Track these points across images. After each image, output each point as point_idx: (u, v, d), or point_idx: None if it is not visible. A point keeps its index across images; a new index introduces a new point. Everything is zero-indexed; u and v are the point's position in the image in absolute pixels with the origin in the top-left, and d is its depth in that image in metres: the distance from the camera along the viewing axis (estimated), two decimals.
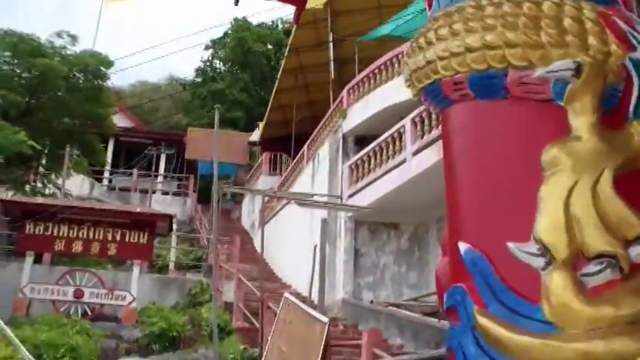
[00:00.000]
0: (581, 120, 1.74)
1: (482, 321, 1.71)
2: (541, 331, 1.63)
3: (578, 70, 1.75)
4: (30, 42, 24.15)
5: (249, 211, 32.63)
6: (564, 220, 1.67)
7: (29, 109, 24.60)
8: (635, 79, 1.78)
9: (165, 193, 35.89)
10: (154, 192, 33.52)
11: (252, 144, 35.94)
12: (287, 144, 29.66)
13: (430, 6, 2.21)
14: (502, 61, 1.81)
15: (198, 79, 47.59)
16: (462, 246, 1.84)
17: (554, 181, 1.71)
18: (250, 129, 36.79)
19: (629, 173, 1.74)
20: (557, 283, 1.64)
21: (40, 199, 21.19)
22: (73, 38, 25.62)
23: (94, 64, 25.04)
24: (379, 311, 16.19)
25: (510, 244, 1.72)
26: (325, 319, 10.95)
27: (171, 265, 24.08)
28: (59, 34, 25.43)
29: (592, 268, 1.66)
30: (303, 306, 12.61)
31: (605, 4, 1.88)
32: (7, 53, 24.20)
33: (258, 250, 24.88)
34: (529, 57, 1.78)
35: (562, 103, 1.78)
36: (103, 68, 25.43)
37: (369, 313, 16.51)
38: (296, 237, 22.00)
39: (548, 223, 1.68)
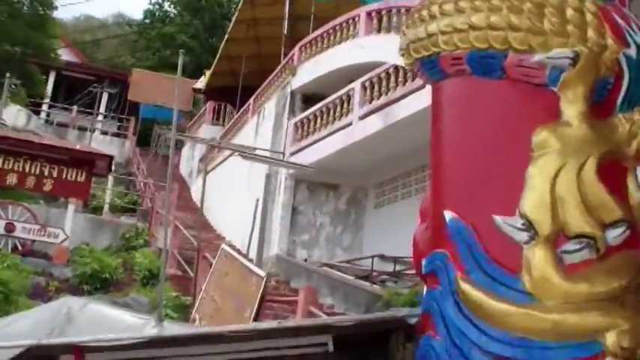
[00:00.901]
0: (573, 107, 1.84)
1: (465, 287, 1.81)
2: (520, 300, 1.74)
3: (575, 59, 1.84)
4: None
5: (188, 158, 32.29)
6: (550, 200, 1.77)
7: None
8: (626, 74, 1.88)
9: (104, 133, 34.99)
10: (93, 131, 32.86)
11: (196, 91, 35.48)
12: (233, 95, 29.34)
13: None
14: (504, 42, 1.88)
15: (147, 21, 46.52)
16: (448, 214, 1.92)
17: (542, 162, 1.80)
18: (197, 76, 36.25)
19: (611, 162, 1.85)
20: (539, 257, 1.75)
21: None
22: None
23: None
24: (312, 270, 16.35)
25: (496, 217, 1.81)
26: (263, 273, 11.01)
27: (106, 207, 23.77)
28: None
29: (571, 246, 1.78)
30: (241, 258, 12.67)
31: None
32: None
33: (194, 199, 24.80)
34: (530, 42, 1.86)
35: (555, 89, 1.87)
36: None
37: (302, 271, 16.66)
38: (234, 189, 21.94)
39: (534, 201, 1.78)
